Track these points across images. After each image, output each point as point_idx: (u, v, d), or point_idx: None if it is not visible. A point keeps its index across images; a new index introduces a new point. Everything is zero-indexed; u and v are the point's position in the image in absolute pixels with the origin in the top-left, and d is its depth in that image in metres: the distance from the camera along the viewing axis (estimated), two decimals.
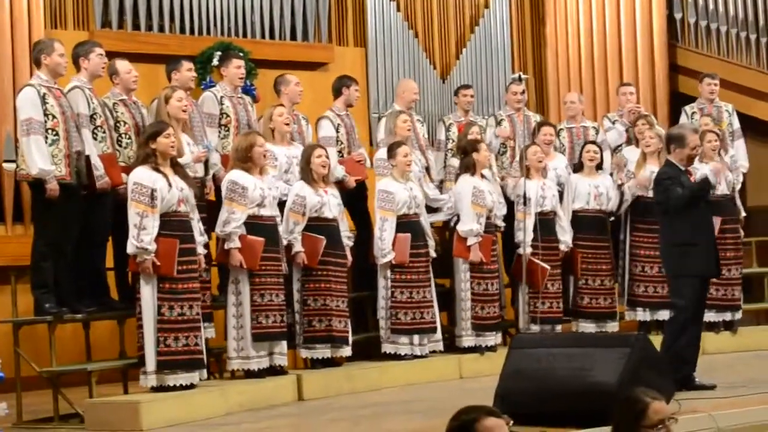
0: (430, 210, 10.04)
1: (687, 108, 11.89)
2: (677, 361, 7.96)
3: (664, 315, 10.44)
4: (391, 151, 9.64)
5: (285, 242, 8.84)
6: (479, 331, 9.87)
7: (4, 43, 9.67)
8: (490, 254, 9.85)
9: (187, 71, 9.25)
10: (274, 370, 8.66)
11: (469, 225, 9.79)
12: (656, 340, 8.08)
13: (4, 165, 9.25)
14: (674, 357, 7.96)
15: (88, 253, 8.44)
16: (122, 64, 8.85)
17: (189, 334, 7.92)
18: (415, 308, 9.50)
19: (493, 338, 9.95)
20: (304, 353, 9.11)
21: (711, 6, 13.67)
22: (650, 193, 10.37)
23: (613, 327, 10.55)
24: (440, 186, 10.50)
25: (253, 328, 8.47)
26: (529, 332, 9.72)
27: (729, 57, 13.59)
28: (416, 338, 9.53)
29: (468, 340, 9.90)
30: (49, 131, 8.10)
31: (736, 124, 11.74)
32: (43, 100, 8.11)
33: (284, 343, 8.70)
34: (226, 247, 8.46)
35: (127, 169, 8.20)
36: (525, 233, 9.87)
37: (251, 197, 8.47)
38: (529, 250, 9.86)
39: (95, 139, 8.39)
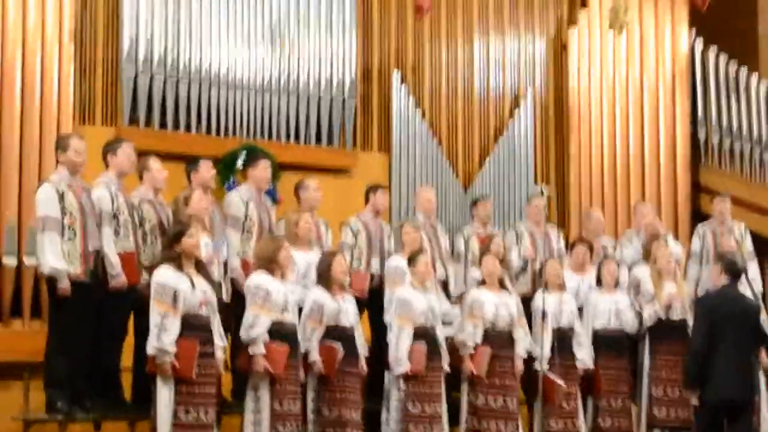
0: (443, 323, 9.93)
1: (699, 227, 11.85)
2: None
3: None
4: (412, 259, 9.61)
5: (303, 350, 8.77)
6: None
7: (32, 138, 9.73)
8: (483, 367, 9.62)
9: (205, 171, 9.29)
10: None
11: (461, 335, 9.72)
12: None
13: (4, 259, 9.24)
14: None
15: (103, 350, 8.40)
16: (155, 162, 8.91)
17: None
18: (426, 422, 9.35)
19: None
20: None
21: (735, 126, 13.72)
22: (674, 315, 10.36)
23: None
24: (460, 299, 10.39)
25: None
26: None
27: (752, 178, 13.62)
28: None
29: None
30: (66, 229, 8.10)
31: (750, 246, 11.69)
32: (62, 197, 8.13)
33: None
34: (251, 352, 8.32)
35: (151, 269, 8.18)
36: (542, 348, 9.77)
37: (275, 301, 8.41)
38: (545, 365, 9.76)
39: (117, 235, 8.39)
